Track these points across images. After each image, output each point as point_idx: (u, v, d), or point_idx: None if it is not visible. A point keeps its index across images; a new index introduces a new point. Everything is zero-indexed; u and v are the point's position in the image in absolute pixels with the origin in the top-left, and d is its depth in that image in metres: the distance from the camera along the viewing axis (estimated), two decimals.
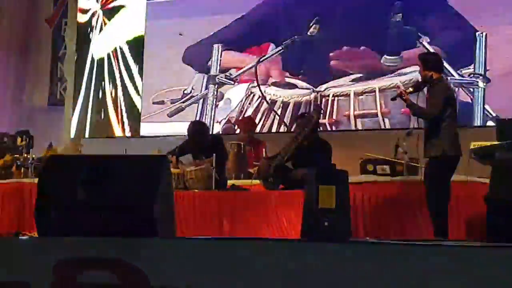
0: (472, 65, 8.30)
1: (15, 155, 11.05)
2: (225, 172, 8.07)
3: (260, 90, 9.26)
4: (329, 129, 9.15)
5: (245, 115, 10.47)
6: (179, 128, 9.23)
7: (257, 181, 7.77)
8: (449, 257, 3.73)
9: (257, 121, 9.64)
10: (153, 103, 10.13)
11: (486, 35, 8.18)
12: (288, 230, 7.05)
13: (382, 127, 8.88)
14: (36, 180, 7.43)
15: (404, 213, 6.99)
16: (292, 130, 8.69)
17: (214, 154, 7.73)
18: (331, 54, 8.95)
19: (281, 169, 7.59)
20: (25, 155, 9.47)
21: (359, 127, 8.84)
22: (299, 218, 6.48)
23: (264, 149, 8.92)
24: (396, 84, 8.19)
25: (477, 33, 8.31)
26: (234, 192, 7.67)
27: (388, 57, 8.74)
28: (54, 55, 12.76)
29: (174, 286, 3.92)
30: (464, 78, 8.32)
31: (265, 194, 7.53)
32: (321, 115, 7.44)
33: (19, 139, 11.81)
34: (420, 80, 6.80)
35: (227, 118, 9.59)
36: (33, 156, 9.00)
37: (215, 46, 9.51)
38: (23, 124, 12.21)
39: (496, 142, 6.71)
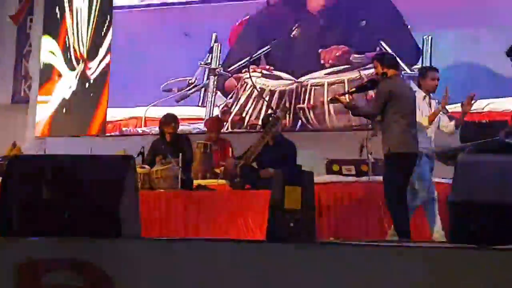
0: (420, 62, 9.96)
1: None
2: (191, 172, 8.07)
3: (252, 81, 10.81)
4: (307, 113, 10.46)
5: (213, 115, 10.65)
6: (185, 111, 10.87)
7: (223, 181, 7.77)
8: (411, 258, 3.77)
9: (248, 106, 10.81)
10: (163, 90, 11.34)
11: (431, 38, 9.94)
12: (254, 230, 7.06)
13: (351, 116, 9.78)
14: None
15: (369, 213, 7.03)
16: (258, 130, 8.83)
17: (180, 154, 7.73)
18: (309, 52, 10.61)
19: (247, 169, 7.60)
20: None
21: (331, 111, 10.34)
22: (265, 218, 6.49)
23: (230, 149, 8.94)
24: (360, 76, 10.07)
25: (424, 36, 9.98)
26: (200, 192, 7.66)
27: (355, 55, 10.35)
28: (18, 52, 12.65)
29: None
30: (414, 73, 9.71)
31: (231, 194, 7.53)
32: (288, 115, 7.63)
33: None
34: (365, 80, 6.85)
35: (224, 103, 11.02)
36: None
37: (215, 44, 11.19)
38: None
39: (459, 144, 6.77)
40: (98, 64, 11.82)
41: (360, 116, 7.01)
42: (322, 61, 10.45)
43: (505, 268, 3.57)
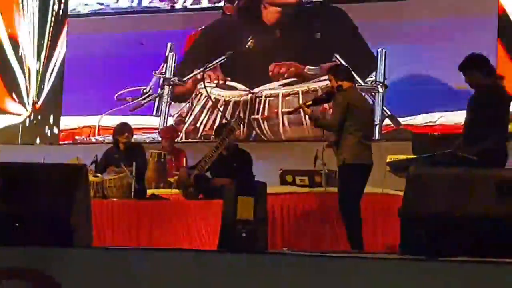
0: (374, 74, 10.07)
1: None
2: (145, 181, 8.03)
3: (206, 91, 10.81)
4: (261, 124, 10.50)
5: (167, 124, 10.67)
6: (139, 120, 10.82)
7: (177, 191, 7.75)
8: (363, 269, 3.80)
9: (202, 116, 10.80)
10: (117, 99, 11.29)
11: (385, 51, 10.04)
12: (208, 240, 7.05)
13: (306, 128, 9.98)
14: None
15: (322, 224, 7.05)
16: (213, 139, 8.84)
17: (134, 163, 7.69)
18: (264, 63, 10.63)
19: (201, 178, 7.59)
20: None
21: (286, 122, 10.40)
22: (219, 228, 6.50)
23: (184, 159, 8.92)
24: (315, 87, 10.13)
25: (378, 49, 10.07)
26: (153, 201, 7.63)
27: (310, 67, 10.39)
28: None
29: None
30: (368, 85, 10.00)
31: (185, 204, 7.51)
32: (242, 125, 7.62)
33: None
34: (322, 93, 6.87)
35: (179, 113, 10.99)
36: None
37: (170, 54, 11.18)
38: None
39: (411, 156, 6.84)
40: (52, 72, 11.73)
41: (322, 127, 7.03)
42: (277, 73, 10.46)
43: (455, 280, 3.61)
